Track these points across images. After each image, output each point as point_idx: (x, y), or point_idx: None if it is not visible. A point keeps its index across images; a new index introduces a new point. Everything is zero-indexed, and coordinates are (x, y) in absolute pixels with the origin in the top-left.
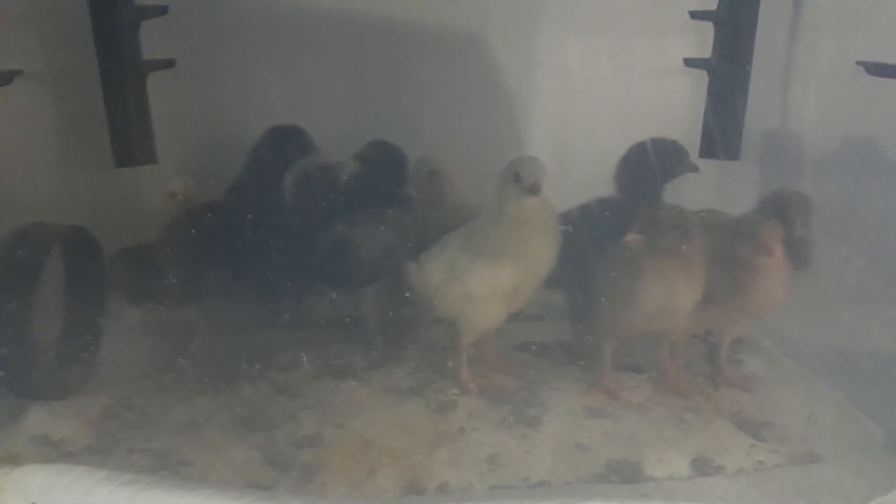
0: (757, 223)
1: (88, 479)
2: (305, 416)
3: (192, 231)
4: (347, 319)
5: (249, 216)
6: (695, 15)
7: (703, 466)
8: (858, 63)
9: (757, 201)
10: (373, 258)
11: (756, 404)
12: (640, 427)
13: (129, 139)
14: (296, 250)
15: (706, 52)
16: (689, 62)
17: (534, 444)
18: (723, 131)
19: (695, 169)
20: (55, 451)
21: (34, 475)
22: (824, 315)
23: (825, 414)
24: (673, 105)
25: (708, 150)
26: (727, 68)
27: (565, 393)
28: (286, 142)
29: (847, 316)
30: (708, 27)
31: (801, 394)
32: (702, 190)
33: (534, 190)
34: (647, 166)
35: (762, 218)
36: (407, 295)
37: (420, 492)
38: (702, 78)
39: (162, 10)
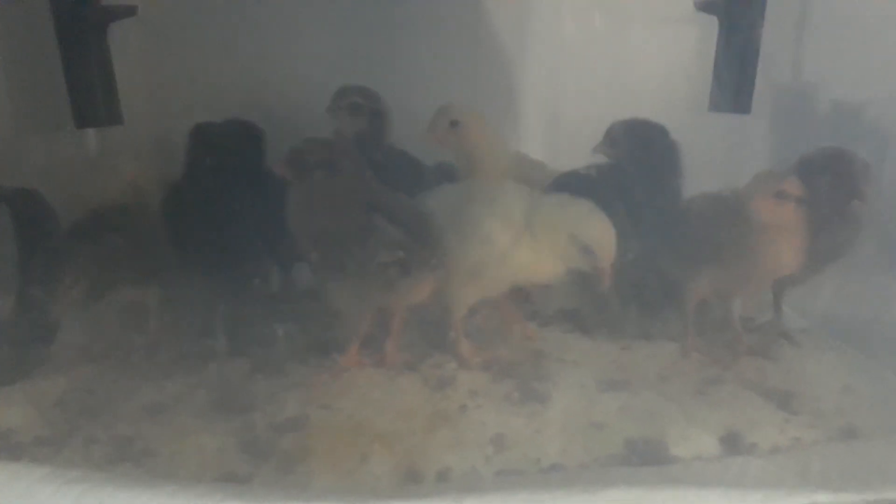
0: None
1: (28, 477)
2: (287, 397)
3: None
4: None
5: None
6: None
7: (733, 444)
8: None
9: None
10: None
11: (781, 374)
12: (659, 401)
13: (91, 96)
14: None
15: None
16: (700, 6)
17: (543, 423)
18: (734, 82)
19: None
20: (1, 443)
21: None
22: (854, 282)
23: (860, 384)
24: (682, 54)
25: (718, 102)
26: (739, 14)
27: (574, 365)
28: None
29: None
30: None
31: (830, 362)
32: (711, 144)
33: None
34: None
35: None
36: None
37: (418, 479)
38: (712, 27)
39: None
